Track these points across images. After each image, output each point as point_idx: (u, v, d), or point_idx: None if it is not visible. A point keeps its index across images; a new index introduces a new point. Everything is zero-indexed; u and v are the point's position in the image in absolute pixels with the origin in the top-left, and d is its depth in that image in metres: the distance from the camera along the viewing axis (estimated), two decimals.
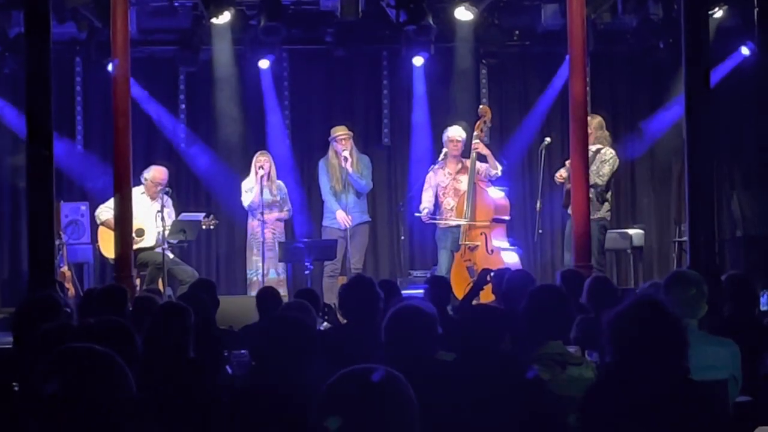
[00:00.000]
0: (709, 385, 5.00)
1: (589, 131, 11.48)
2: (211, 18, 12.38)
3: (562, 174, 11.80)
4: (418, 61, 13.42)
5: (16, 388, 4.56)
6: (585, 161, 10.39)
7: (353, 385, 2.54)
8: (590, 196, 10.63)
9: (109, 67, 10.80)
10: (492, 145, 12.51)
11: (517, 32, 13.69)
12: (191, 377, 4.91)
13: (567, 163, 11.81)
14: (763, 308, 8.21)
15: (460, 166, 11.99)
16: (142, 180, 11.82)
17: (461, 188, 11.86)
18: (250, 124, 13.79)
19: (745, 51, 13.15)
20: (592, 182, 10.83)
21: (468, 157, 11.86)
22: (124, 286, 7.85)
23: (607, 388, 3.77)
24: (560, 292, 5.58)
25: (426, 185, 12.06)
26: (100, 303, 6.64)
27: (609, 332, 3.77)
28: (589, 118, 11.67)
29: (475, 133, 11.82)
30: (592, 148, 11.03)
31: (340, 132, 12.22)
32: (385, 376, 2.54)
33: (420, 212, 11.88)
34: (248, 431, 4.22)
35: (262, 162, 12.16)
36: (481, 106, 12.16)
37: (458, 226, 11.71)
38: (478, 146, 11.78)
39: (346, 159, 12.04)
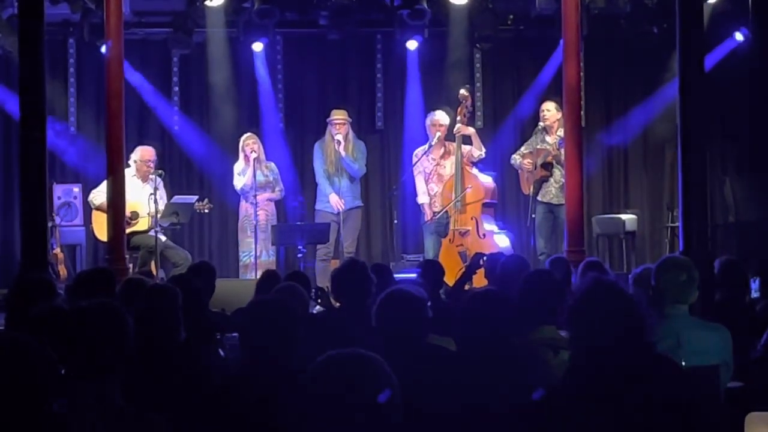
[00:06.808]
0: (701, 371, 5.02)
1: (557, 117, 11.53)
2: (204, 0, 12.35)
3: (524, 166, 11.81)
4: (412, 44, 13.40)
5: None
6: (579, 146, 10.39)
7: (338, 368, 2.54)
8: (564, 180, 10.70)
9: (103, 49, 10.77)
10: (485, 130, 12.50)
11: (511, 16, 13.66)
12: (182, 359, 4.91)
13: (536, 149, 11.80)
14: (754, 294, 8.21)
15: (443, 150, 11.96)
16: (131, 163, 11.71)
17: (445, 173, 11.84)
18: (244, 107, 13.77)
19: (739, 37, 13.15)
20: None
21: (451, 141, 11.84)
22: (109, 268, 7.82)
23: (577, 374, 3.75)
24: (554, 277, 5.59)
25: (415, 171, 12.03)
26: (87, 285, 6.63)
27: (570, 320, 3.76)
28: (553, 105, 11.69)
29: (458, 118, 11.78)
30: (561, 133, 11.00)
31: (337, 116, 12.18)
32: (392, 395, 2.53)
33: (428, 218, 11.79)
34: (239, 413, 4.23)
35: (251, 145, 12.12)
36: (461, 91, 11.90)
37: (446, 211, 11.68)
38: (462, 129, 11.75)
39: (339, 143, 12.01)
